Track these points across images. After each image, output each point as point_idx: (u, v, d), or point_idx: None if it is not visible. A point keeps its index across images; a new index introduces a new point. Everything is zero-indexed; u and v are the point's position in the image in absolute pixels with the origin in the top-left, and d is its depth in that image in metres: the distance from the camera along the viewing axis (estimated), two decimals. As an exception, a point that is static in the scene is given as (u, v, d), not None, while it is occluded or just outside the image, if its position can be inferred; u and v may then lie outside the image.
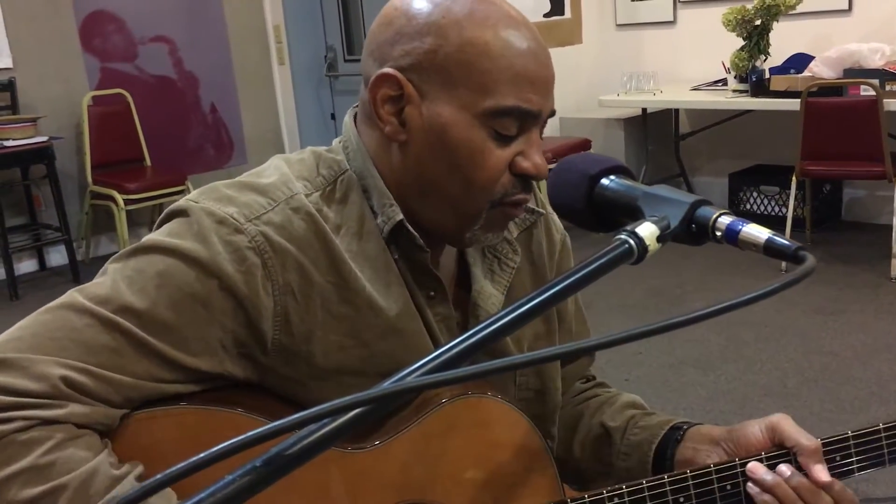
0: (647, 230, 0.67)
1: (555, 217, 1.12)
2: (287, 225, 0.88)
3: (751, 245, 0.66)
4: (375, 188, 0.93)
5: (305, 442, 0.50)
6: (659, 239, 0.68)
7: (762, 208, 4.93)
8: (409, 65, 0.87)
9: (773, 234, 0.65)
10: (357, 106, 0.98)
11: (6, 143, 4.49)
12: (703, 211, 0.69)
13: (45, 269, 5.13)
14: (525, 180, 0.90)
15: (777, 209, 4.82)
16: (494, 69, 0.85)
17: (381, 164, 0.93)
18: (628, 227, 0.67)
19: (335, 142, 0.99)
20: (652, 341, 3.45)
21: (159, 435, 0.85)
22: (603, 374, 1.23)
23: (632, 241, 0.67)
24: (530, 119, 0.88)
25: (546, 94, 0.89)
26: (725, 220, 0.67)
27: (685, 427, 1.05)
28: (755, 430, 0.98)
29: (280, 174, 0.93)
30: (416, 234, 0.93)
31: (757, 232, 0.66)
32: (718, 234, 0.68)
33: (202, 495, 0.46)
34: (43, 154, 4.63)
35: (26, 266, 5.07)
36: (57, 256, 5.13)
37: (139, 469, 0.82)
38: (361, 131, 0.95)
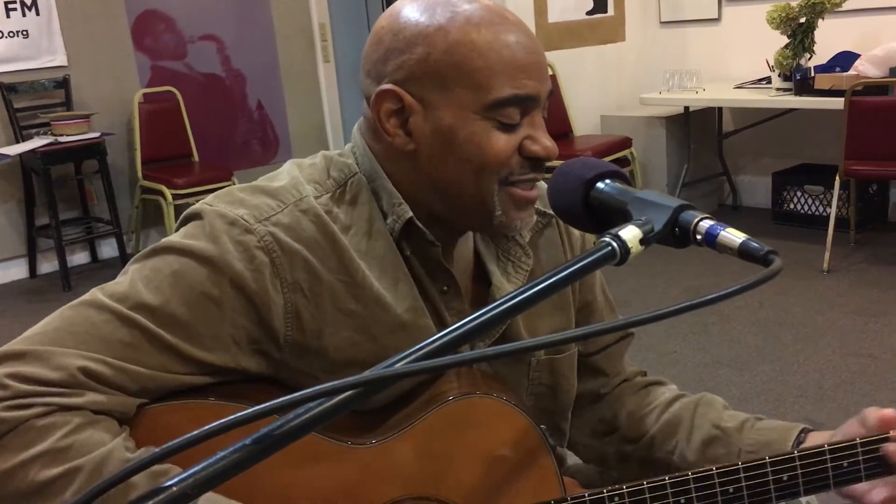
0: (630, 233, 0.70)
1: None
2: (295, 226, 0.93)
3: (727, 248, 0.69)
4: (384, 189, 0.97)
5: (293, 423, 0.55)
6: (642, 242, 0.71)
7: (806, 208, 4.87)
8: (404, 77, 0.91)
9: (748, 239, 0.68)
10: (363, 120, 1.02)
11: (61, 139, 4.65)
12: (686, 215, 0.72)
13: (96, 261, 5.29)
14: (534, 162, 0.94)
15: (821, 209, 4.76)
16: (485, 65, 0.89)
17: (391, 171, 0.97)
18: (612, 231, 0.71)
19: (347, 147, 1.03)
20: (688, 340, 3.45)
21: (174, 427, 0.89)
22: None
23: (615, 244, 0.70)
24: (530, 103, 0.92)
25: (540, 78, 0.92)
26: (705, 225, 0.70)
27: (807, 430, 1.06)
28: (853, 425, 0.97)
29: (291, 178, 0.98)
30: (425, 230, 0.97)
31: (733, 236, 0.69)
32: (699, 237, 0.71)
33: (198, 468, 0.51)
34: (95, 150, 4.77)
35: (79, 258, 5.24)
36: (108, 249, 5.28)
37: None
38: (369, 144, 0.99)
